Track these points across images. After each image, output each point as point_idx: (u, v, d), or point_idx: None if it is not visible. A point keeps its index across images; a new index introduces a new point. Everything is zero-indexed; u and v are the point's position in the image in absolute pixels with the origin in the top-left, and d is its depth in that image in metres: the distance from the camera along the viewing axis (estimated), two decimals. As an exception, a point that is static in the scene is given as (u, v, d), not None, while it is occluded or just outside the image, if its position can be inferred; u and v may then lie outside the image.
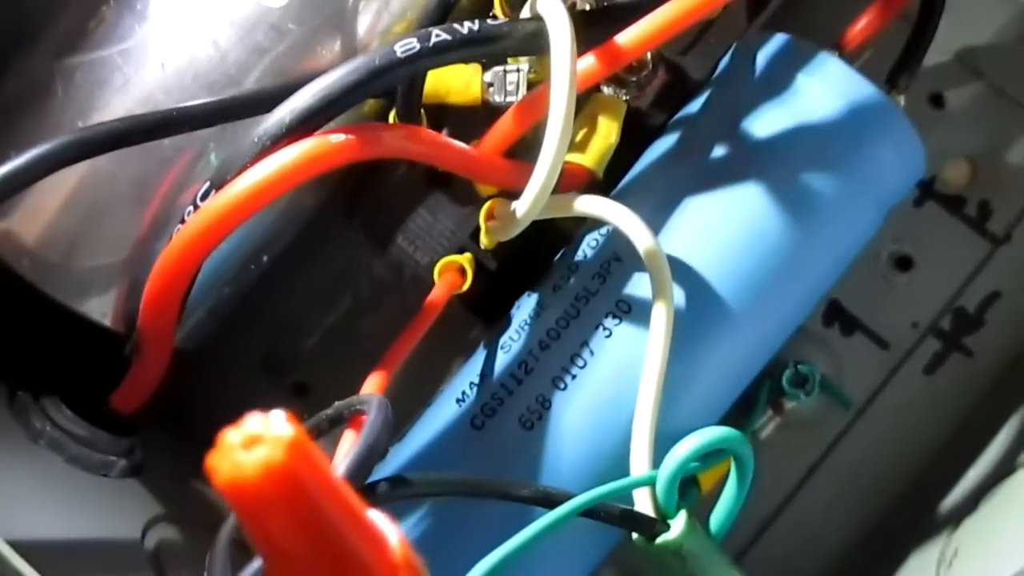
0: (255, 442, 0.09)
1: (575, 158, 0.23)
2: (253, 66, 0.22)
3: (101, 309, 0.23)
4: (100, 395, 0.24)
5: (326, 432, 0.19)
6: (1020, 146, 0.28)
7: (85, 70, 0.22)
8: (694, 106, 0.24)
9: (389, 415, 0.17)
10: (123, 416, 0.24)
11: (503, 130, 0.22)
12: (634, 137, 0.25)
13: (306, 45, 0.23)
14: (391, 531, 0.10)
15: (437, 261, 0.25)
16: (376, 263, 0.28)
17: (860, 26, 0.26)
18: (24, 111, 0.22)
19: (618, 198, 0.24)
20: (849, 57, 0.26)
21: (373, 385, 0.20)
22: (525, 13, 0.21)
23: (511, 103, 0.23)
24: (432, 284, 0.25)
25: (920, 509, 0.26)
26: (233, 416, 0.28)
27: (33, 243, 0.23)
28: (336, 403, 0.19)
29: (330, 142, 0.18)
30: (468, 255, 0.24)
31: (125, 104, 0.22)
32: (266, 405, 0.30)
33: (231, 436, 0.09)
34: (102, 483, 0.23)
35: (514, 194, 0.22)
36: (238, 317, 0.27)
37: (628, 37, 0.20)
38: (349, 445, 0.17)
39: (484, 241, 0.23)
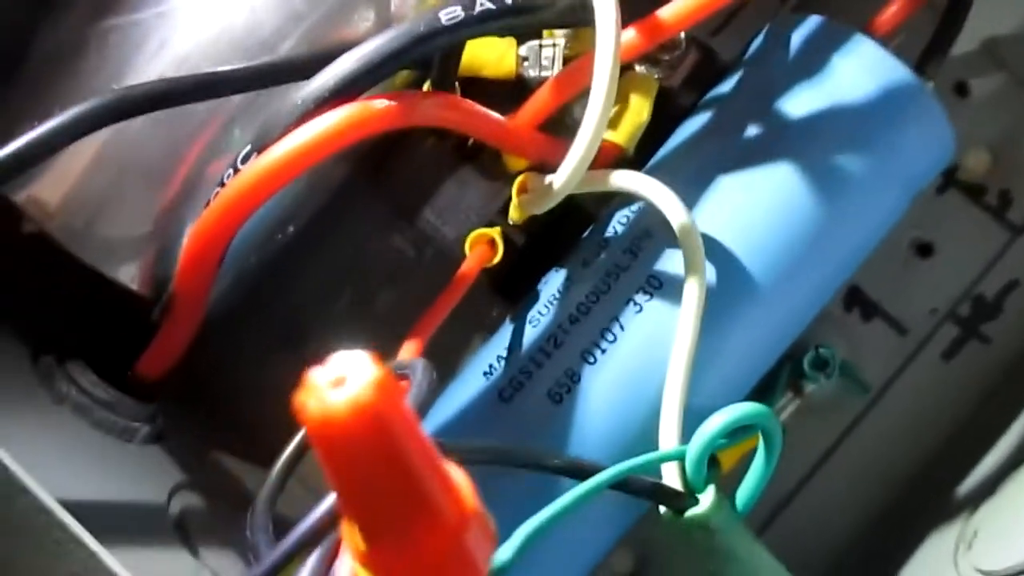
0: (342, 382, 0.09)
1: (607, 135, 0.23)
2: (288, 33, 0.22)
3: (127, 274, 0.23)
4: (124, 360, 0.24)
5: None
6: (1042, 135, 0.29)
7: (121, 33, 0.22)
8: (726, 86, 0.24)
9: (434, 378, 0.17)
10: (146, 382, 0.24)
11: (540, 102, 0.22)
12: (664, 116, 0.25)
13: (341, 13, 0.22)
14: (464, 482, 0.10)
15: (463, 235, 0.25)
16: (399, 237, 0.28)
17: (890, 12, 0.26)
18: (58, 73, 0.22)
19: (649, 175, 0.24)
20: (879, 43, 0.26)
21: (409, 351, 0.20)
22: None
23: (545, 78, 0.23)
24: (457, 259, 0.25)
25: (937, 492, 0.26)
26: (251, 390, 0.27)
27: (58, 208, 0.22)
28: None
29: (372, 107, 0.18)
30: (497, 228, 0.24)
31: (160, 68, 0.22)
32: (284, 378, 0.30)
33: (319, 375, 0.09)
34: (127, 448, 0.23)
35: (545, 168, 0.22)
36: (260, 289, 0.26)
37: (670, 11, 0.20)
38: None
39: (514, 215, 0.23)
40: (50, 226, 0.22)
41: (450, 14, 0.19)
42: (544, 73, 0.23)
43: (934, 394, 0.28)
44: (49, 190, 0.23)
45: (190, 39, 0.22)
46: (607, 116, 0.19)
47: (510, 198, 0.23)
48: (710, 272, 0.22)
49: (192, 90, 0.20)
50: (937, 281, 0.28)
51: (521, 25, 0.20)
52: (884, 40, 0.26)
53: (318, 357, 0.28)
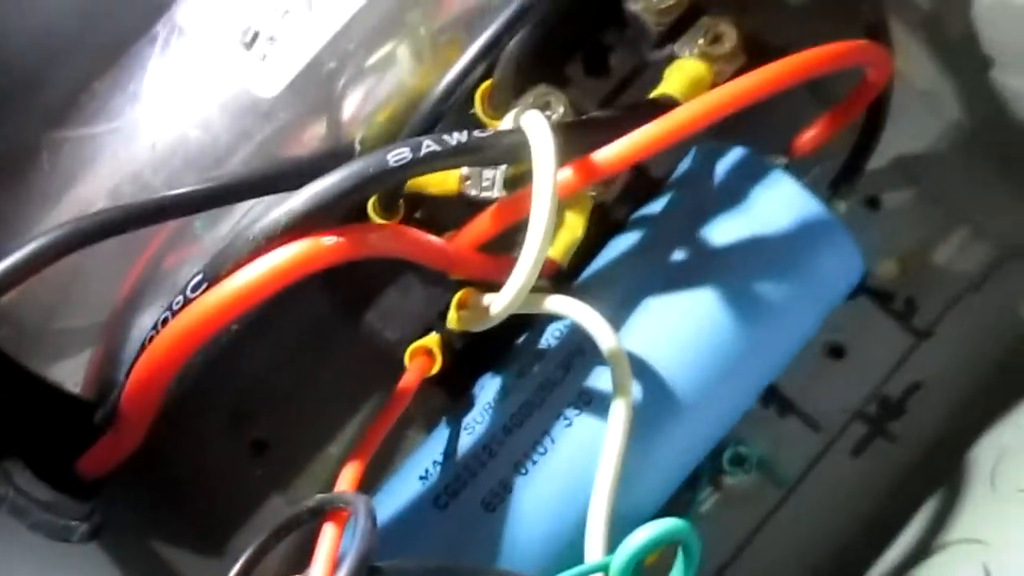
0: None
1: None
2: (240, 149, 0.23)
3: (73, 373, 0.24)
4: (64, 459, 0.24)
5: (306, 523, 0.20)
6: (945, 248, 0.31)
7: (74, 144, 0.22)
8: (655, 207, 0.26)
9: (375, 521, 0.18)
10: (86, 481, 0.24)
11: (480, 228, 0.23)
12: (597, 228, 0.26)
13: (293, 130, 0.23)
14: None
15: (405, 338, 0.26)
16: (342, 330, 0.29)
17: (810, 135, 0.28)
18: (9, 180, 0.23)
19: (582, 290, 0.25)
20: (799, 161, 0.28)
21: (350, 476, 0.21)
22: (508, 122, 0.23)
23: (487, 198, 0.24)
24: (398, 360, 0.26)
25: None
26: (195, 473, 0.28)
27: (9, 306, 0.23)
28: (318, 496, 0.20)
29: (322, 244, 0.19)
30: (436, 337, 0.25)
31: (112, 180, 0.22)
32: (226, 463, 0.30)
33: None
34: (64, 548, 0.24)
35: (484, 283, 0.24)
36: (203, 375, 0.27)
37: (607, 154, 0.21)
38: (331, 540, 0.18)
39: (453, 325, 0.24)
40: (-5, 334, 0.22)
41: (398, 156, 0.20)
42: (485, 193, 0.24)
43: (844, 488, 0.30)
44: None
45: (143, 153, 0.22)
46: (543, 256, 0.20)
47: (450, 301, 0.24)
48: (637, 391, 0.23)
49: (150, 216, 0.20)
50: (847, 381, 0.30)
51: (463, 163, 0.22)
52: (805, 158, 0.28)
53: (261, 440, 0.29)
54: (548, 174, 0.20)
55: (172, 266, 0.24)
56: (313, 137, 0.24)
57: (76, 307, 0.23)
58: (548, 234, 0.20)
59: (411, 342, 0.26)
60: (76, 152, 0.22)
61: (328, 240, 0.19)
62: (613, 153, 0.21)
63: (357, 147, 0.24)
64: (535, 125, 0.21)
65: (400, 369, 0.26)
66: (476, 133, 0.21)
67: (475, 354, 0.26)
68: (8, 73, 0.23)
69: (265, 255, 0.19)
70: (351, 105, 0.24)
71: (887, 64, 0.25)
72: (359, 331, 0.27)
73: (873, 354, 0.30)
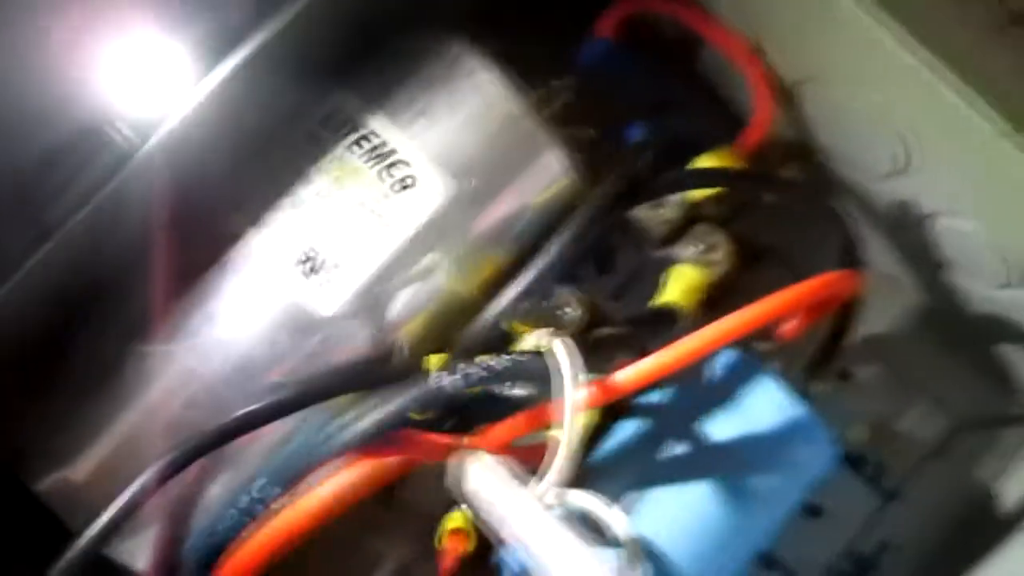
0: None
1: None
2: (300, 360, 0.26)
3: (140, 551, 0.26)
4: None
5: None
6: (909, 416, 0.35)
7: (155, 359, 0.25)
8: (657, 396, 0.29)
9: None
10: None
11: (509, 430, 0.26)
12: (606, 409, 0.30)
13: (345, 340, 0.27)
14: None
15: (434, 511, 0.29)
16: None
17: (791, 326, 0.31)
18: (93, 391, 0.25)
19: (594, 472, 0.29)
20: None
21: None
22: (540, 338, 0.26)
23: (511, 395, 0.27)
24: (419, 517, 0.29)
25: None
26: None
27: (86, 497, 0.26)
28: None
29: (386, 465, 0.23)
30: (466, 514, 0.28)
31: (189, 392, 0.25)
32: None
33: None
34: None
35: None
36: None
37: (624, 377, 0.25)
38: None
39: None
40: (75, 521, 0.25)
41: (453, 382, 0.23)
42: (508, 392, 0.27)
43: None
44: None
45: (217, 369, 0.25)
46: (572, 466, 0.24)
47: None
48: (647, 569, 0.26)
49: (232, 434, 0.23)
50: (824, 538, 0.34)
51: (503, 382, 0.25)
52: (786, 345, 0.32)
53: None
54: (573, 396, 0.24)
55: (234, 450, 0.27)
56: (361, 342, 0.27)
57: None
58: (574, 451, 0.24)
59: (439, 514, 0.29)
60: (156, 365, 0.25)
61: (388, 461, 0.23)
62: (629, 376, 0.25)
63: (404, 352, 0.27)
64: (562, 352, 0.24)
65: (422, 525, 0.28)
66: (516, 357, 0.24)
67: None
68: (96, 297, 0.26)
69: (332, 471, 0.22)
70: (394, 312, 0.27)
71: (861, 283, 0.29)
72: (387, 499, 0.29)
73: (847, 513, 0.34)
